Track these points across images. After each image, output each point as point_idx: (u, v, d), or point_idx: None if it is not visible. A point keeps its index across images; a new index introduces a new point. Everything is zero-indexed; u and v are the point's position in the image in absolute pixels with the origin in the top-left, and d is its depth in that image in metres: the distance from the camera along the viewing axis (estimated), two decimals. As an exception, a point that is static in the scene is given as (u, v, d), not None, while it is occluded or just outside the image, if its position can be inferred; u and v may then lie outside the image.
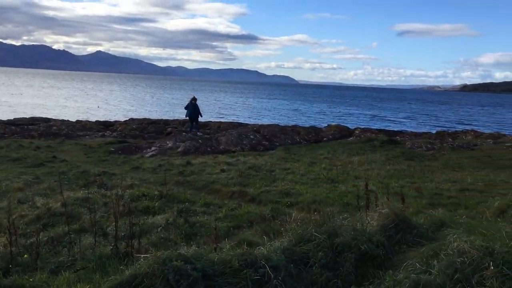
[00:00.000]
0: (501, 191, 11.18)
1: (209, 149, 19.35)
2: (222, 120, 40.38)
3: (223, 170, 13.80)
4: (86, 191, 9.64)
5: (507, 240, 4.21)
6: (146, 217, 8.24)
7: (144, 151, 18.69)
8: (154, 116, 43.89)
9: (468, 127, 42.92)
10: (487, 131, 38.53)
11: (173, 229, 7.51)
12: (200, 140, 20.15)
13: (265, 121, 42.64)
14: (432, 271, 3.99)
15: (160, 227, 7.54)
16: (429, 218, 5.89)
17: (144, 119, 35.69)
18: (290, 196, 10.62)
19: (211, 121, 34.62)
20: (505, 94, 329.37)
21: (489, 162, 16.95)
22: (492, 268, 3.71)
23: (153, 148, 19.00)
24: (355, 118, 59.46)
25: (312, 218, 5.30)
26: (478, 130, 35.83)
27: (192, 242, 7.08)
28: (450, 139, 28.54)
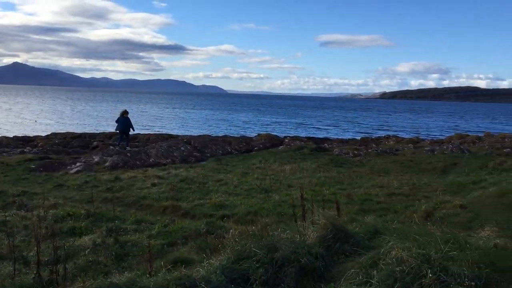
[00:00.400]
0: (425, 194, 11.67)
1: (138, 162, 18.73)
2: (150, 132, 39.40)
3: (154, 184, 13.36)
4: (4, 214, 8.92)
5: (441, 246, 4.31)
6: (72, 239, 7.72)
7: (68, 167, 17.73)
8: (76, 130, 41.99)
9: (388, 133, 45.02)
10: (405, 135, 40.63)
11: (102, 251, 7.08)
12: (128, 154, 19.44)
13: (195, 132, 42.22)
14: (373, 281, 3.98)
15: (88, 249, 7.08)
16: (363, 226, 5.97)
17: (67, 133, 34.00)
18: (224, 209, 10.46)
19: (139, 134, 33.65)
20: (420, 100, 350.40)
21: (412, 166, 17.74)
22: (430, 275, 3.76)
23: (78, 164, 18.07)
24: (283, 127, 60.45)
25: (250, 232, 5.17)
26: (399, 136, 37.67)
27: (124, 263, 6.72)
28: (374, 145, 29.75)
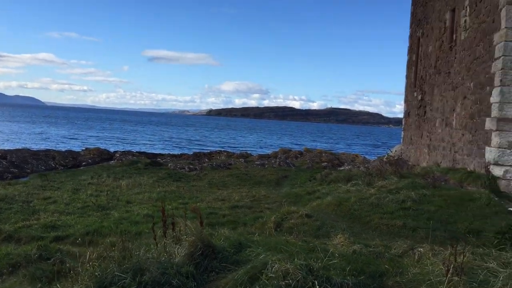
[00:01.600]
0: (266, 206, 12.00)
1: None
2: None
3: (-38, 206, 11.23)
4: None
5: (323, 255, 4.27)
6: None
7: None
8: None
9: (207, 149, 46.10)
10: (233, 151, 41.96)
11: None
12: None
13: (7, 146, 37.42)
14: (257, 299, 3.73)
15: None
16: (227, 239, 5.71)
17: None
18: (57, 229, 9.28)
19: None
20: (243, 118, 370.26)
21: (247, 179, 18.25)
22: (317, 287, 3.65)
23: None
24: (107, 142, 57.79)
25: (110, 254, 4.49)
26: (229, 151, 38.78)
27: None
28: (206, 159, 30.02)
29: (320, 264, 4.02)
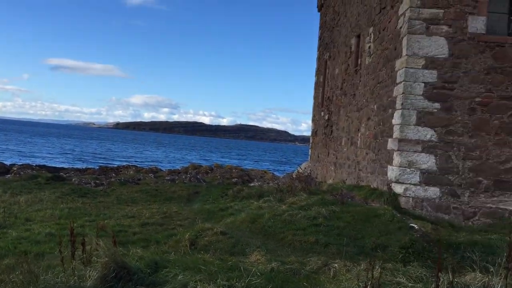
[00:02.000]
0: (178, 222, 11.72)
1: None
2: None
3: None
4: None
5: (244, 274, 4.22)
6: None
7: None
8: None
9: (117, 163, 44.66)
10: (141, 166, 40.81)
11: None
12: None
13: None
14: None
15: None
16: (142, 260, 5.49)
17: None
18: None
19: None
20: (153, 132, 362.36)
21: (158, 195, 17.80)
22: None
23: None
24: (1, 154, 53.71)
25: (12, 278, 4.09)
26: (137, 165, 37.65)
27: None
28: (114, 174, 28.89)
29: (242, 284, 3.98)
